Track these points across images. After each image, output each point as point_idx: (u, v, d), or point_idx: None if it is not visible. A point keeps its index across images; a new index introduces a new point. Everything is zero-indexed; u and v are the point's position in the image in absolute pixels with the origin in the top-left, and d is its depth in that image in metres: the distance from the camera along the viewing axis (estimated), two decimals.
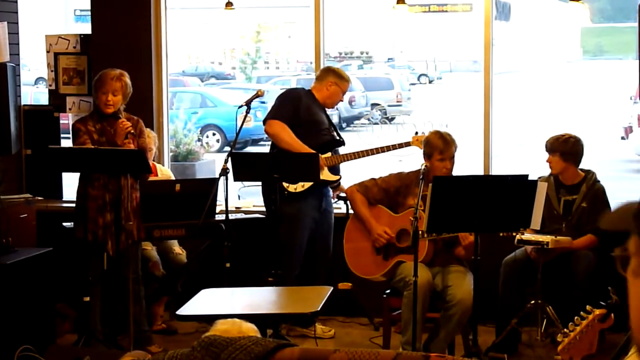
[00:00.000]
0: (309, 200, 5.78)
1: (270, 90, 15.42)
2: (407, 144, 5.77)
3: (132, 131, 5.22)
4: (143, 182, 5.32)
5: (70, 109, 6.63)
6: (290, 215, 5.69)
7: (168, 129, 6.90)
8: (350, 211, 5.58)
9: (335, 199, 6.13)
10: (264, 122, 5.78)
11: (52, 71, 6.67)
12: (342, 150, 5.95)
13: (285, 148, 5.64)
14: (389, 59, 28.59)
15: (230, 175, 5.30)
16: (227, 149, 15.28)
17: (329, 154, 5.82)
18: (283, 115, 5.70)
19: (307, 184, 5.72)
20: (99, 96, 5.27)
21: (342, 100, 5.98)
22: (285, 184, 5.69)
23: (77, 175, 5.40)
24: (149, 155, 5.50)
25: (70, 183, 6.26)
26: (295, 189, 5.72)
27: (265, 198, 5.82)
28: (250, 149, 16.56)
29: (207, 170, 12.90)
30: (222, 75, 24.97)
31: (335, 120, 6.25)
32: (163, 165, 6.50)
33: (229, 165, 5.26)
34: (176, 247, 6.05)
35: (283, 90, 6.07)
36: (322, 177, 5.70)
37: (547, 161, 5.53)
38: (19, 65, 6.48)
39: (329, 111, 6.02)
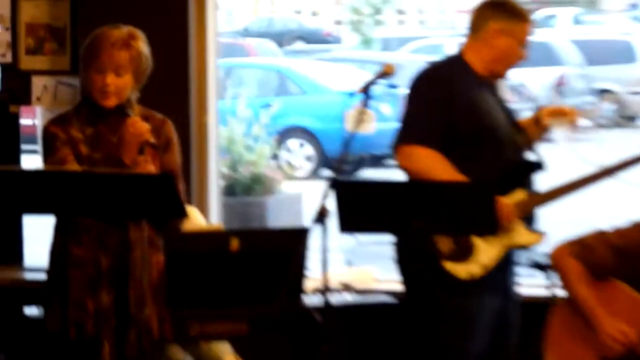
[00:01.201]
0: (490, 283, 5.76)
1: (406, 65, 15.46)
2: None
3: (153, 141, 5.29)
4: (172, 235, 5.37)
5: (39, 99, 6.75)
6: (460, 311, 5.72)
7: (217, 135, 6.97)
8: (558, 291, 5.55)
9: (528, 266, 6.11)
10: (394, 147, 5.74)
11: (6, 29, 6.81)
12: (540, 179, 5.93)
13: None
14: (631, 5, 28.43)
15: (334, 222, 5.31)
16: (327, 173, 15.39)
17: (520, 195, 5.77)
18: (428, 131, 5.68)
19: (491, 262, 5.70)
20: (91, 76, 5.36)
21: (521, 58, 5.84)
22: (451, 266, 5.68)
23: (50, 221, 5.48)
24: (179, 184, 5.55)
25: (37, 237, 6.35)
26: (473, 275, 5.70)
27: (403, 266, 5.86)
28: (370, 174, 16.62)
29: (288, 213, 13.01)
30: (317, 36, 25.19)
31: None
32: (201, 204, 6.56)
33: (331, 203, 5.28)
34: (229, 357, 6.10)
35: (420, 73, 5.92)
36: (512, 239, 5.66)
37: None
38: None
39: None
